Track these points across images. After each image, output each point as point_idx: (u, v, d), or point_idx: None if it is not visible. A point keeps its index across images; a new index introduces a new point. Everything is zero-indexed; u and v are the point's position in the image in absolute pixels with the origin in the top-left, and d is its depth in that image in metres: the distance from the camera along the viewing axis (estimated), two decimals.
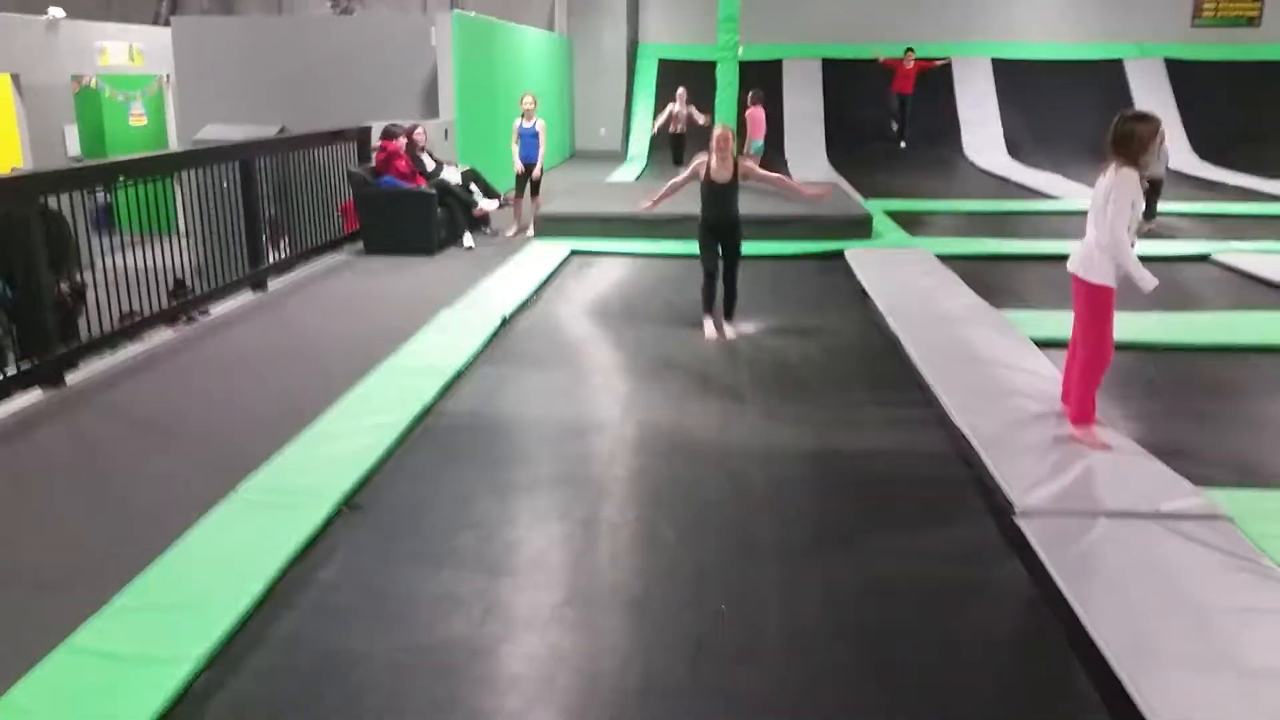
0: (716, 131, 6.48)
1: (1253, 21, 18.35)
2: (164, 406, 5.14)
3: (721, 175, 6.34)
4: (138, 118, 14.11)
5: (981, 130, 17.55)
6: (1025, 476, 4.05)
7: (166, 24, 14.06)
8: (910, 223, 10.32)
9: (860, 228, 9.42)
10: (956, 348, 5.86)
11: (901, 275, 7.75)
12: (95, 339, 5.77)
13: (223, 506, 3.77)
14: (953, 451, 4.53)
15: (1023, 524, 3.70)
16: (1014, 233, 9.92)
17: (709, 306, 6.55)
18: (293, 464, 4.18)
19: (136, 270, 6.16)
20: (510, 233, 9.91)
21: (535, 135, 9.79)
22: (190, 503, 3.78)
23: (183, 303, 6.72)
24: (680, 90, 13.25)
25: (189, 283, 7.05)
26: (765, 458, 4.49)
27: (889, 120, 16.76)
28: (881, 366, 5.88)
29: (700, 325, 6.50)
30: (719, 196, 6.38)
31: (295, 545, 3.49)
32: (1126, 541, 3.55)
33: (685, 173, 6.68)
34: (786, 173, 14.76)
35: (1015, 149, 16.93)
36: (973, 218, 11.19)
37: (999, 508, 3.91)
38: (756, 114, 12.63)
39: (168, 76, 13.77)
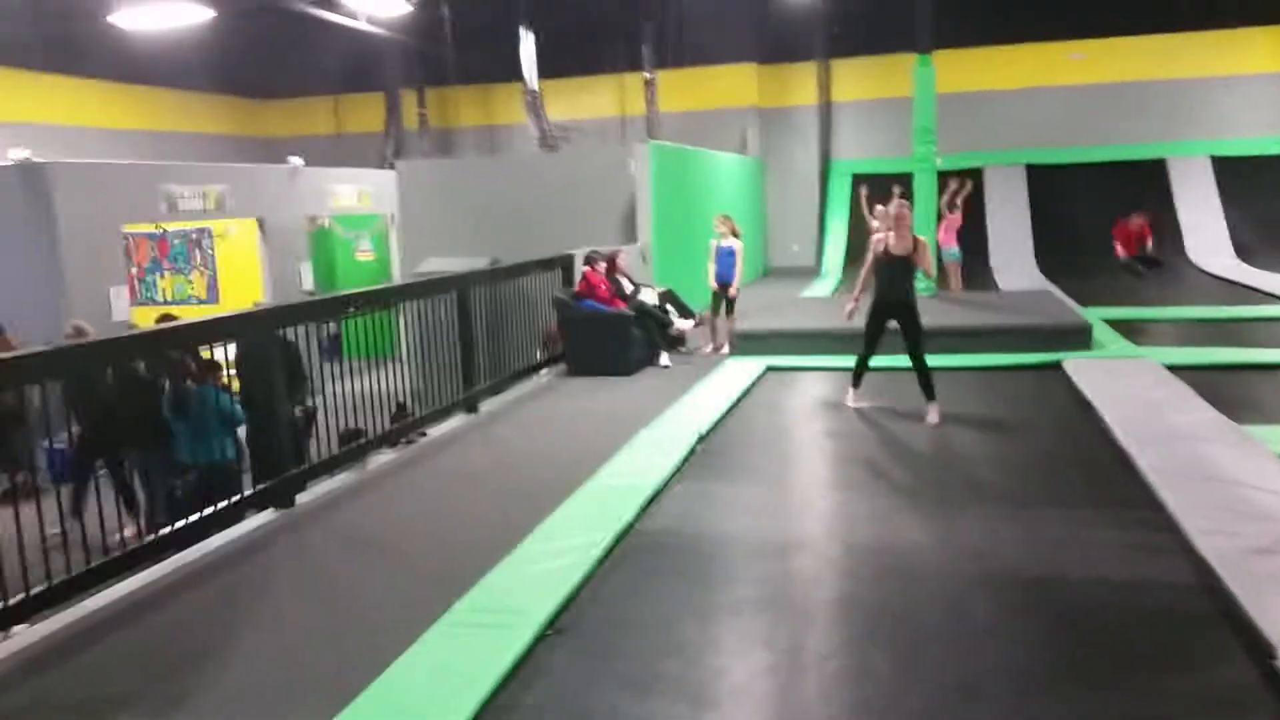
0: (894, 209, 6.91)
1: None
2: (384, 526, 5.39)
3: (900, 249, 6.79)
4: (365, 253, 15.36)
5: (1205, 232, 16.49)
6: None
7: (391, 167, 15.40)
8: (1133, 331, 9.70)
9: (1079, 337, 8.93)
10: (1195, 465, 5.36)
11: (1127, 386, 7.24)
12: (323, 461, 6.16)
13: (437, 626, 3.86)
14: (1198, 583, 4.08)
15: None
16: (1248, 340, 9.13)
17: (858, 382, 7.22)
18: (500, 585, 4.26)
19: (361, 395, 6.59)
20: (707, 350, 10.01)
21: (732, 254, 9.94)
22: (406, 621, 3.90)
23: (403, 425, 7.12)
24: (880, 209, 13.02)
25: (409, 406, 7.48)
26: (984, 583, 4.20)
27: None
28: (1112, 485, 5.44)
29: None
30: (896, 270, 6.80)
31: (502, 669, 3.51)
32: None
33: (868, 256, 7.05)
34: (995, 284, 14.32)
35: (1243, 251, 15.77)
36: (1202, 325, 10.41)
37: (1256, 649, 3.47)
38: (953, 220, 12.32)
39: (392, 215, 14.98)
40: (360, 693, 3.37)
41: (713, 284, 10.07)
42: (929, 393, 6.84)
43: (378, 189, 15.52)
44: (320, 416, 6.40)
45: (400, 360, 7.30)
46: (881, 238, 6.87)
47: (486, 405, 8.14)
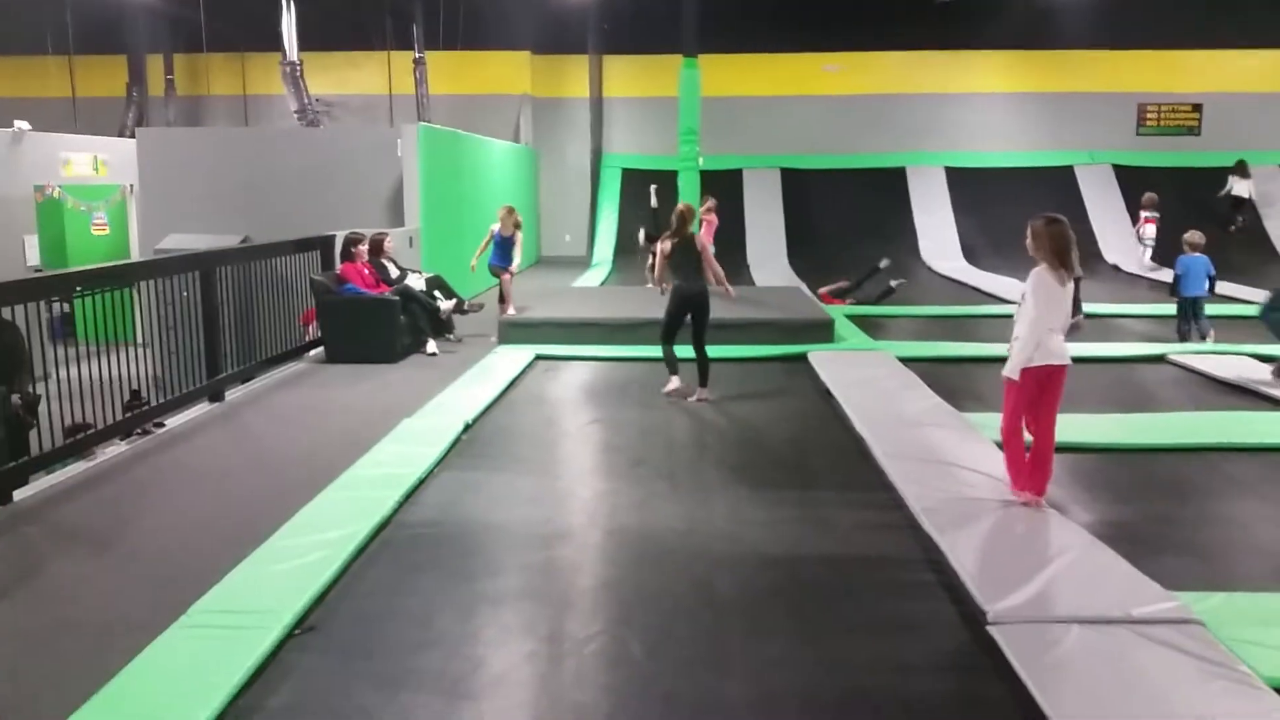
0: (680, 207, 7.57)
1: (1192, 131, 19.22)
2: (114, 524, 4.97)
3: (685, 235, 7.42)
4: (100, 227, 14.09)
5: (937, 236, 18.02)
6: (995, 582, 3.99)
7: (132, 135, 14.19)
8: (871, 327, 10.46)
9: (823, 331, 9.52)
10: (921, 449, 5.86)
11: (864, 377, 7.81)
12: (46, 453, 5.61)
13: (170, 632, 3.60)
14: (923, 557, 4.47)
15: (995, 632, 3.63)
16: (971, 336, 10.08)
17: (674, 369, 7.58)
18: (243, 584, 4.03)
19: (93, 381, 6.05)
20: (512, 311, 10.27)
21: (511, 243, 10.46)
22: (136, 626, 3.62)
23: (138, 414, 6.58)
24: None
25: (144, 394, 6.92)
26: (734, 564, 4.41)
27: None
28: (848, 467, 5.86)
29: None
30: (694, 265, 7.37)
31: (245, 671, 3.32)
32: (1101, 649, 3.48)
33: (662, 249, 7.60)
34: (750, 278, 15.02)
35: (971, 254, 17.36)
36: (932, 321, 11.37)
37: (971, 616, 3.84)
38: (711, 221, 12.76)
39: (131, 187, 13.83)
40: (85, 702, 3.10)
41: (473, 267, 10.52)
42: (704, 379, 7.45)
43: (117, 158, 14.28)
44: (45, 405, 5.82)
45: (138, 344, 6.77)
46: (667, 235, 7.47)
47: (234, 394, 7.68)
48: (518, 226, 10.55)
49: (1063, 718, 3.04)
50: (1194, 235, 9.59)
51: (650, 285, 8.04)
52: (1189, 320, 9.56)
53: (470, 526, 4.92)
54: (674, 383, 7.52)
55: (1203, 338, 9.44)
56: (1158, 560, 4.30)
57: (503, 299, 10.61)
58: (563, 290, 12.94)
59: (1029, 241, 4.88)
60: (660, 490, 5.42)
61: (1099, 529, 4.71)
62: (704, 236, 12.29)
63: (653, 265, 13.13)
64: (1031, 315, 4.75)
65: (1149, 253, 15.94)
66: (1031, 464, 4.90)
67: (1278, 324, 8.22)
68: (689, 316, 7.44)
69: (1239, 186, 17.11)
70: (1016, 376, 4.81)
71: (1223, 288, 13.73)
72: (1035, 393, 4.83)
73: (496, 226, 10.46)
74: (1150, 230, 15.89)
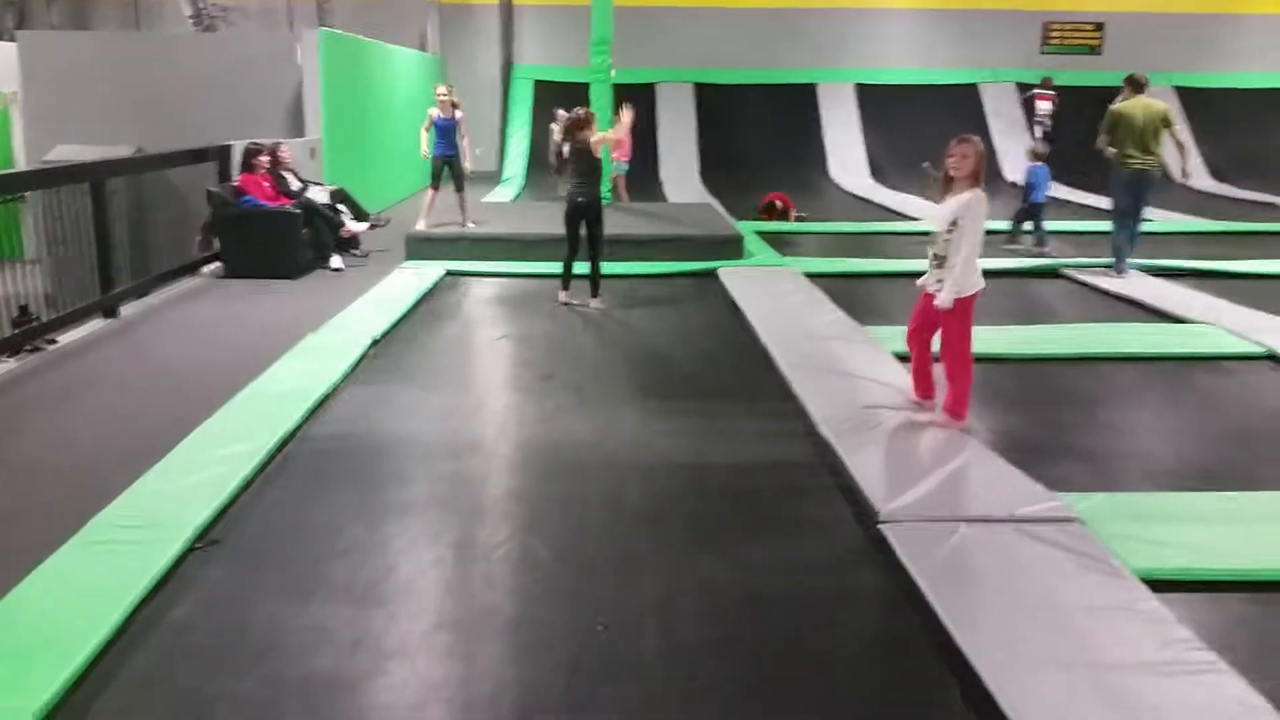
0: (579, 111, 7.71)
1: (1094, 50, 19.61)
2: (2, 441, 4.81)
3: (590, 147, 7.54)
4: None
5: (846, 154, 18.15)
6: (888, 485, 4.17)
7: (11, 40, 13.30)
8: (780, 243, 10.56)
9: (732, 247, 9.59)
10: (823, 361, 6.00)
11: (772, 293, 7.92)
12: None
13: (65, 548, 3.53)
14: (821, 462, 4.62)
15: (887, 531, 3.80)
16: (876, 252, 10.27)
17: (567, 284, 7.79)
18: (143, 499, 3.96)
19: None
20: (471, 225, 9.80)
21: (453, 126, 9.70)
22: (30, 545, 3.54)
23: (26, 330, 6.33)
24: (560, 111, 13.18)
25: (34, 310, 6.65)
26: (642, 472, 4.50)
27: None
28: (754, 379, 5.98)
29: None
30: (584, 165, 7.53)
31: (145, 585, 3.29)
32: (985, 546, 3.68)
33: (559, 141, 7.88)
34: (662, 195, 14.96)
35: (878, 172, 17.56)
36: (838, 238, 11.53)
37: (865, 516, 4.01)
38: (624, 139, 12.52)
39: (14, 94, 13.02)
40: None
41: (424, 153, 9.87)
42: (595, 289, 7.70)
43: None
44: None
45: (25, 260, 6.47)
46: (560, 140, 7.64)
47: (129, 309, 7.42)
48: (456, 107, 9.71)
49: (950, 611, 3.21)
50: (1038, 145, 10.51)
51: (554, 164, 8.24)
52: (1035, 227, 10.31)
53: (378, 440, 4.90)
54: (562, 295, 7.76)
55: (1043, 247, 10.12)
56: (1044, 464, 4.52)
57: (462, 208, 9.90)
58: (473, 205, 12.70)
59: (958, 161, 4.71)
60: (569, 404, 5.46)
61: (990, 437, 4.93)
62: (617, 154, 12.10)
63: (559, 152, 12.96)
64: (974, 240, 4.68)
65: (1041, 131, 16.48)
66: (957, 390, 4.94)
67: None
68: (584, 225, 7.60)
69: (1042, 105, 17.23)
70: (950, 305, 4.73)
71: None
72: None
73: (435, 110, 9.71)
74: (1045, 106, 16.54)
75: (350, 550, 3.72)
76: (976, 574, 3.49)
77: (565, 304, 7.69)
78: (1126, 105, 8.75)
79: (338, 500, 4.16)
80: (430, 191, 9.88)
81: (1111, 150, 8.71)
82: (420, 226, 9.66)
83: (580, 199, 7.58)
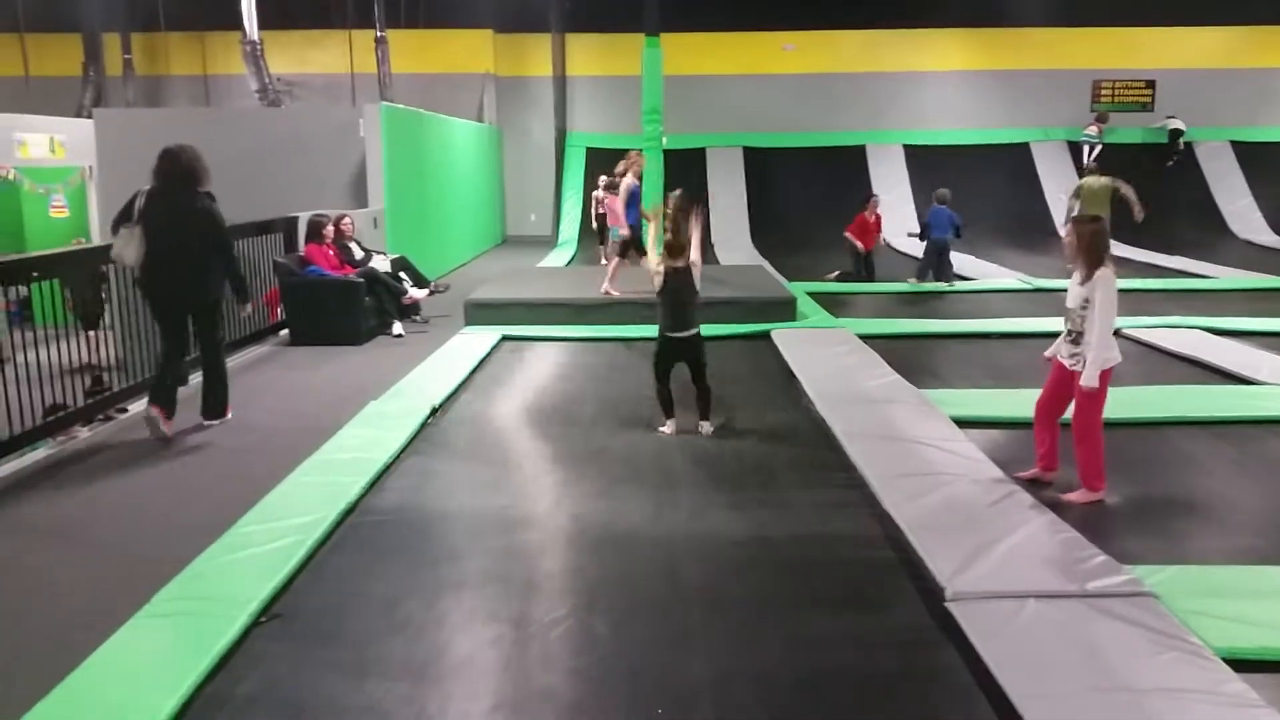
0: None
1: (1146, 107, 19.48)
2: (76, 512, 4.93)
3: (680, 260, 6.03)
4: (59, 209, 13.84)
5: (896, 213, 18.14)
6: (953, 559, 4.07)
7: (89, 116, 13.92)
8: (833, 304, 10.55)
9: (785, 309, 9.59)
10: (880, 427, 5.94)
11: (825, 355, 7.89)
12: (4, 440, 5.54)
13: (134, 620, 3.60)
14: (882, 535, 4.55)
15: (954, 609, 3.71)
16: (930, 313, 10.19)
17: (670, 411, 6.24)
18: (208, 572, 4.02)
19: (53, 366, 5.98)
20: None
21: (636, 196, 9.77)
22: (99, 618, 3.61)
23: (100, 399, 6.51)
24: (603, 178, 13.32)
25: (106, 379, 6.85)
26: (698, 547, 4.46)
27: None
28: (809, 447, 5.92)
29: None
30: (683, 292, 6.07)
31: (210, 660, 3.33)
32: (1056, 622, 3.57)
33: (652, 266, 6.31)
34: (716, 257, 15.07)
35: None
36: (892, 298, 11.47)
37: (930, 592, 3.92)
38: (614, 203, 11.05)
39: (90, 169, 13.58)
40: (49, 691, 3.10)
41: (624, 231, 9.94)
42: (705, 412, 6.26)
43: (75, 139, 13.98)
44: (4, 390, 5.73)
45: (102, 329, 6.69)
46: (660, 260, 6.09)
47: (198, 377, 7.59)
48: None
49: (1018, 690, 3.12)
50: (942, 191, 12.37)
51: (604, 262, 7.73)
52: (934, 263, 12.02)
53: (436, 513, 4.93)
54: (668, 426, 6.19)
55: (948, 282, 11.92)
56: (1113, 534, 4.40)
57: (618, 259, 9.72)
58: (528, 270, 12.91)
59: (1084, 243, 4.87)
60: (623, 477, 5.41)
61: (1057, 504, 4.81)
62: (615, 203, 10.89)
63: (603, 240, 12.88)
64: (1107, 317, 4.81)
65: (1088, 152, 17.91)
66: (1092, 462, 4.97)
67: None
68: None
69: (1173, 123, 18.96)
70: (1096, 383, 4.83)
71: (1178, 263, 14.06)
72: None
73: (631, 179, 9.80)
74: (1093, 130, 18.24)
75: (406, 626, 3.73)
76: (1048, 652, 3.38)
77: (670, 434, 6.14)
78: (1086, 180, 12.42)
79: (395, 575, 4.18)
80: (618, 260, 9.96)
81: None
82: (615, 292, 9.67)
83: (672, 335, 6.13)
